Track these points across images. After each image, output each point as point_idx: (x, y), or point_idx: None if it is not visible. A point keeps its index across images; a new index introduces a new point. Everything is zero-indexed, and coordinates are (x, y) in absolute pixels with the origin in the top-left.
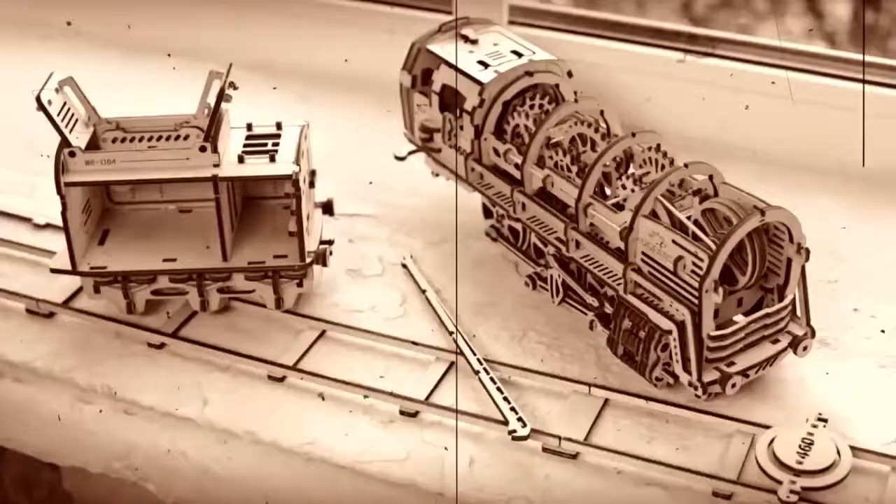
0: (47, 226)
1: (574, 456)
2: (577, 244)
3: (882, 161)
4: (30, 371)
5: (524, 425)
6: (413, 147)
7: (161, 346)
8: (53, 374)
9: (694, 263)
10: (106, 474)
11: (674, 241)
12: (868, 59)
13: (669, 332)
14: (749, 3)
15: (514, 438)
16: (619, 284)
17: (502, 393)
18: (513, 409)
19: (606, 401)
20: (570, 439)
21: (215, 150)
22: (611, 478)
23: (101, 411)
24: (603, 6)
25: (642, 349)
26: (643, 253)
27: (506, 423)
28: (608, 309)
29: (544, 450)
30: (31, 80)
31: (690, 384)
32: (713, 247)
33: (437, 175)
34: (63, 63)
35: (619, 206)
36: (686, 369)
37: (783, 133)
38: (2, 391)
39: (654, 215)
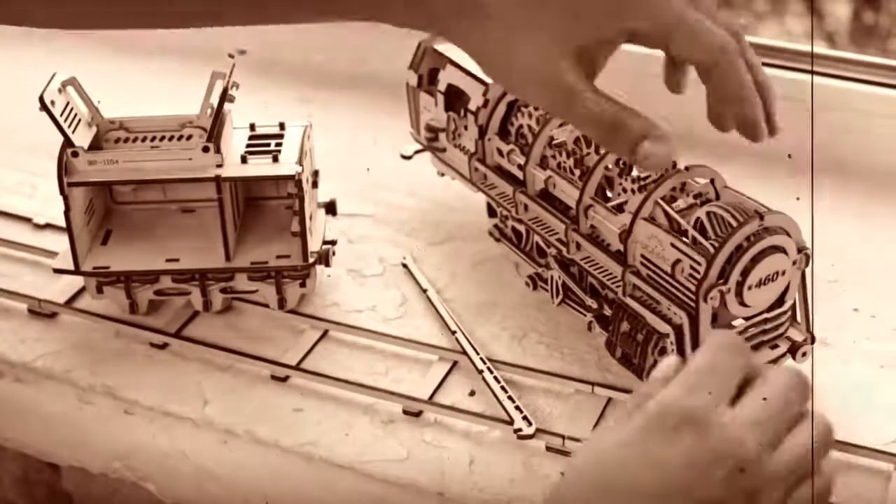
0: (47, 226)
1: None
2: (578, 246)
3: (882, 161)
4: (30, 371)
5: (529, 424)
6: (419, 146)
7: (163, 345)
8: (53, 373)
9: (692, 267)
10: (106, 474)
11: (672, 245)
12: (868, 59)
13: (667, 335)
14: (750, 3)
15: (520, 437)
16: (617, 287)
17: (507, 392)
18: (517, 407)
19: (609, 400)
20: (573, 438)
21: (218, 151)
22: None
23: (100, 411)
24: None
25: (640, 352)
26: (642, 256)
27: (511, 422)
28: (607, 311)
29: (548, 449)
30: (32, 80)
31: None
32: (711, 250)
33: (442, 174)
34: (64, 63)
35: (619, 209)
36: None
37: (783, 133)
38: (2, 391)
39: (653, 218)
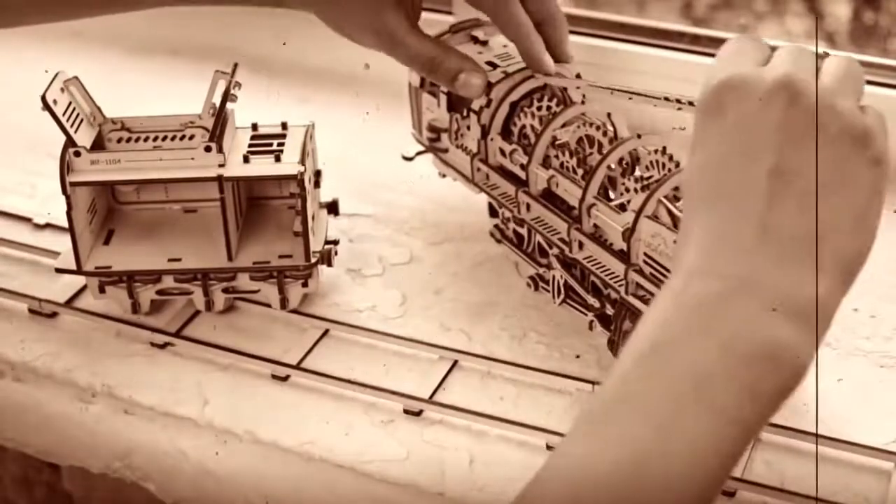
0: (48, 226)
1: None
2: (581, 245)
3: None
4: (30, 371)
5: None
6: (421, 147)
7: (164, 345)
8: (53, 373)
9: None
10: (106, 474)
11: (675, 243)
12: (868, 59)
13: None
14: (750, 3)
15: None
16: (620, 286)
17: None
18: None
19: None
20: None
21: (220, 150)
22: None
23: (100, 411)
24: (603, 6)
25: None
26: (645, 254)
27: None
28: (609, 310)
29: (548, 448)
30: (32, 80)
31: None
32: None
33: (444, 175)
34: (64, 63)
35: (622, 208)
36: None
37: None
38: (2, 391)
39: (657, 216)
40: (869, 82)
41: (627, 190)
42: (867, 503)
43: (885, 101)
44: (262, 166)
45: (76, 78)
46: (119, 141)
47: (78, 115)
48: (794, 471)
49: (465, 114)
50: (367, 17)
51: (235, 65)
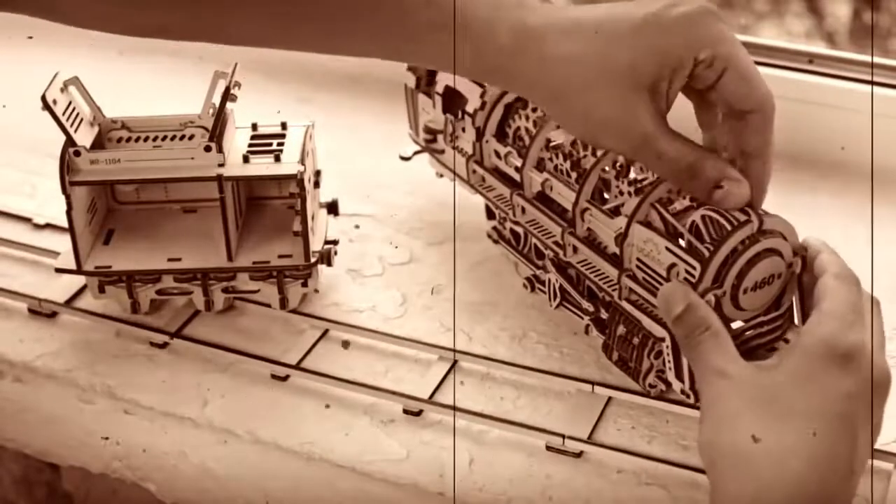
0: (47, 226)
1: (578, 455)
2: (575, 249)
3: (882, 161)
4: (30, 371)
5: None
6: (418, 147)
7: (163, 345)
8: (54, 373)
9: (686, 271)
10: (106, 474)
11: (667, 249)
12: (868, 59)
13: (662, 339)
14: (750, 3)
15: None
16: (614, 290)
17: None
18: None
19: (609, 399)
20: (574, 438)
21: (220, 150)
22: (611, 477)
23: (100, 411)
24: None
25: (636, 356)
26: (638, 259)
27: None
28: (604, 314)
29: (548, 448)
30: (33, 80)
31: (682, 392)
32: (706, 254)
33: (441, 176)
34: (65, 62)
35: (616, 212)
36: (678, 377)
37: (783, 133)
38: (2, 391)
39: (649, 222)
40: (869, 82)
41: (621, 193)
42: (867, 503)
43: (885, 102)
44: (262, 166)
45: (76, 78)
46: (119, 141)
47: (78, 114)
48: None
49: (459, 116)
50: (612, 114)
51: (235, 65)
